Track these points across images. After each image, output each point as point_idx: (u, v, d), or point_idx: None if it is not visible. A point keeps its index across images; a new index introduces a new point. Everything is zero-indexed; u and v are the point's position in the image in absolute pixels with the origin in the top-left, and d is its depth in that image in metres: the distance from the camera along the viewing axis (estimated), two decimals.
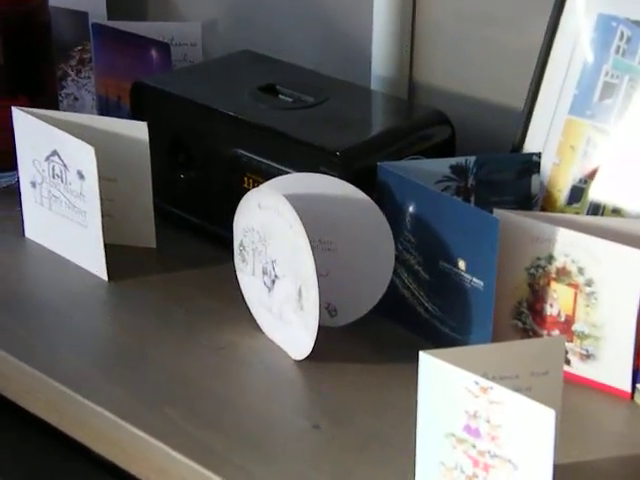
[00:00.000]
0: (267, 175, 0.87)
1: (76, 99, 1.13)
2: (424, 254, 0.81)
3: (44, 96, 1.01)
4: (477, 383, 0.62)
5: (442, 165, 0.83)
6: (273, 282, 0.81)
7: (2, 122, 0.94)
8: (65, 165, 0.90)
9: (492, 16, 0.99)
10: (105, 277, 0.90)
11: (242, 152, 0.90)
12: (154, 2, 1.23)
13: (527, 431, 0.61)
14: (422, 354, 0.64)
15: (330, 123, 0.90)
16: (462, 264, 0.78)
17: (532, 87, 0.89)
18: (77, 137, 0.87)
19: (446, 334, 0.80)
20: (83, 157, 0.87)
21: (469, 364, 0.64)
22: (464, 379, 0.63)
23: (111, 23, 1.09)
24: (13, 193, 0.98)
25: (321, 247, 0.81)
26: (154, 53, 1.04)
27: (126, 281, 0.90)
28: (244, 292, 0.85)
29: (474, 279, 0.77)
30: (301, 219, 0.76)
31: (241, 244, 0.84)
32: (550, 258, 0.76)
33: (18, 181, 0.95)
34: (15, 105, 0.92)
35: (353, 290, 0.82)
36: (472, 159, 0.83)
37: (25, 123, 0.92)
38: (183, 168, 0.96)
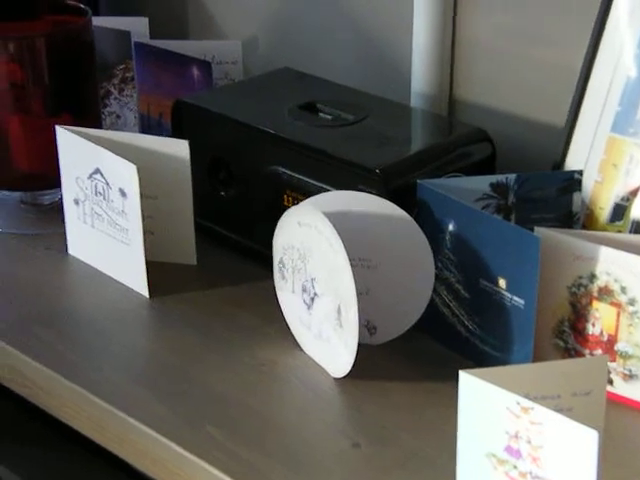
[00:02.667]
0: (307, 192, 0.87)
1: (118, 117, 1.14)
2: (464, 272, 0.80)
3: (87, 114, 1.02)
4: (518, 403, 0.62)
5: (482, 183, 0.83)
6: (312, 300, 0.81)
7: (46, 141, 0.95)
8: (108, 183, 0.91)
9: (533, 32, 0.99)
10: (146, 294, 0.91)
11: (282, 170, 0.91)
12: (195, 21, 1.24)
13: (569, 452, 0.60)
14: (462, 373, 0.64)
15: (370, 141, 0.90)
16: (503, 282, 0.77)
17: (574, 104, 0.88)
18: (119, 155, 0.88)
19: (486, 353, 0.80)
20: (125, 175, 0.89)
21: (510, 384, 0.63)
22: (505, 399, 0.62)
23: (153, 42, 1.10)
24: (57, 210, 0.99)
25: (360, 265, 0.81)
26: (195, 71, 1.05)
27: (167, 298, 0.91)
28: (284, 309, 0.85)
29: (515, 298, 0.76)
30: (340, 237, 0.76)
31: (281, 261, 0.84)
32: (592, 277, 0.75)
33: (61, 199, 0.97)
34: (59, 124, 0.94)
35: (393, 308, 0.82)
36: (513, 177, 0.83)
37: (69, 142, 0.93)
38: (223, 185, 0.97)
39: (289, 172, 0.90)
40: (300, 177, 0.90)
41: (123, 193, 0.90)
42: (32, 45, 0.96)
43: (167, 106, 1.03)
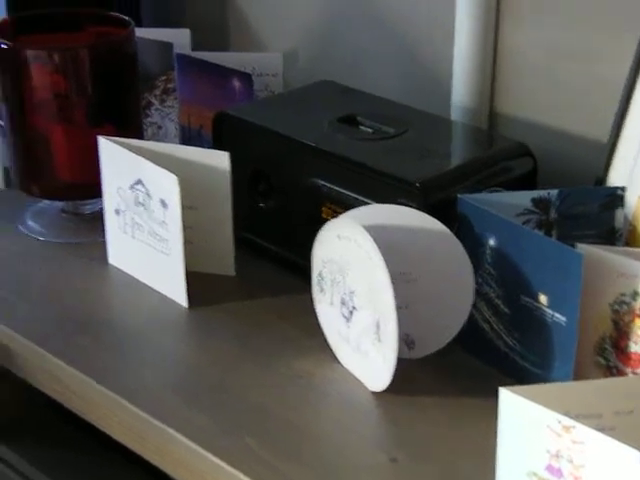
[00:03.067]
0: (346, 205, 0.87)
1: (160, 128, 1.15)
2: (504, 287, 0.80)
3: (130, 125, 1.03)
4: (560, 422, 0.61)
5: (523, 198, 0.82)
6: (351, 313, 0.81)
7: (88, 151, 0.96)
8: (149, 193, 0.91)
9: (576, 46, 0.98)
10: (185, 304, 0.91)
11: (322, 182, 0.91)
12: (236, 33, 1.25)
13: (612, 473, 0.60)
14: (502, 390, 0.63)
15: (410, 154, 0.90)
16: (544, 299, 0.76)
17: (617, 119, 0.88)
18: (161, 166, 0.89)
19: (526, 369, 0.79)
20: (166, 186, 0.89)
21: (551, 401, 0.63)
22: (546, 417, 0.62)
23: (195, 54, 1.11)
24: (97, 220, 1.00)
25: (400, 279, 0.80)
26: (236, 83, 1.06)
27: (205, 308, 0.91)
28: (322, 322, 0.85)
29: (556, 314, 0.75)
30: (380, 250, 0.76)
31: (320, 274, 0.84)
32: (635, 294, 0.75)
33: (102, 208, 0.97)
34: (101, 134, 0.95)
35: (432, 322, 0.82)
36: (554, 192, 0.82)
37: (111, 152, 0.94)
38: (263, 197, 0.97)
39: (329, 185, 0.90)
40: (340, 190, 0.90)
41: (164, 204, 0.90)
42: (76, 56, 0.97)
43: (208, 117, 1.03)
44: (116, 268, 0.97)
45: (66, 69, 0.97)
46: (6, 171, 1.09)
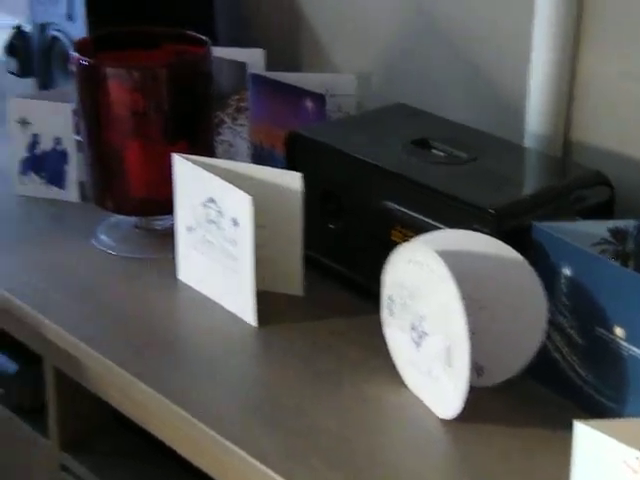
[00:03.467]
0: (417, 229, 0.87)
1: (231, 146, 1.16)
2: (579, 318, 0.79)
3: (203, 143, 1.04)
4: (637, 458, 0.60)
5: (600, 227, 0.81)
6: (421, 338, 0.81)
7: (162, 168, 0.98)
8: (221, 212, 0.92)
9: None
10: (254, 322, 0.91)
11: (393, 205, 0.91)
12: (310, 54, 1.26)
13: None
14: (578, 424, 0.63)
15: (483, 180, 0.90)
16: (620, 331, 0.75)
17: None
18: (233, 184, 0.90)
19: (599, 402, 0.78)
20: (239, 205, 0.90)
21: (628, 437, 0.61)
22: (623, 453, 0.61)
23: (268, 74, 1.12)
24: (169, 236, 1.01)
25: (472, 305, 0.80)
26: (309, 103, 1.07)
27: (274, 327, 0.91)
28: (390, 346, 0.85)
29: (633, 348, 0.74)
30: (453, 276, 0.76)
31: (390, 298, 0.84)
32: None
33: (174, 225, 0.98)
34: (176, 151, 0.96)
35: (502, 350, 0.81)
36: (632, 222, 0.81)
37: (185, 170, 0.95)
38: (333, 218, 0.97)
39: (400, 208, 0.90)
40: (412, 214, 0.89)
41: (236, 222, 0.91)
42: (154, 75, 0.99)
43: (279, 137, 1.04)
44: (185, 285, 0.98)
45: (144, 87, 0.99)
46: (82, 185, 1.11)
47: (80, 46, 1.02)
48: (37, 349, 0.98)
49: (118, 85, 0.98)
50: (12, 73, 1.64)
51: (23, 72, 1.64)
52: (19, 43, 1.63)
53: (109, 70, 0.98)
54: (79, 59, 0.99)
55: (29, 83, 1.65)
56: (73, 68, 1.01)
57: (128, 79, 0.98)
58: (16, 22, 1.61)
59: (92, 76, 0.99)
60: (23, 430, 1.06)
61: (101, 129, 1.01)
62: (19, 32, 1.62)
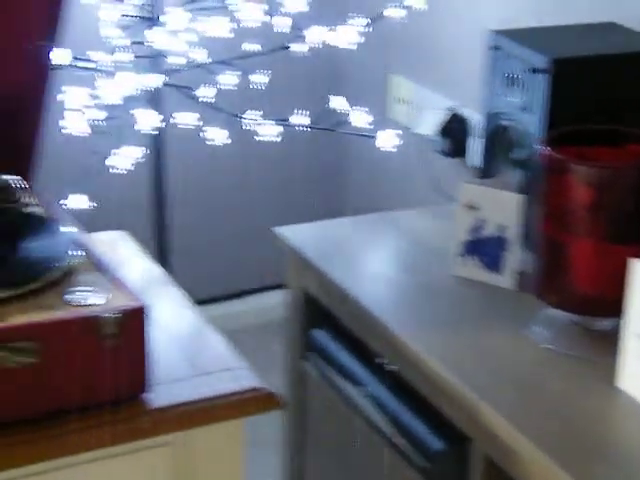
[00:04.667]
0: None
1: None
2: None
3: None
4: None
5: None
6: None
7: (613, 267, 0.95)
8: None
9: None
10: None
11: None
12: None
13: None
14: None
15: None
16: None
17: None
18: None
19: None
20: None
21: None
22: None
23: None
24: (608, 338, 0.98)
25: None
26: None
27: None
28: None
29: None
30: None
31: None
32: None
33: (619, 328, 0.95)
34: (626, 252, 0.93)
35: None
36: None
37: None
38: None
39: None
40: None
41: None
42: (613, 174, 0.97)
43: None
44: (626, 393, 0.94)
45: (602, 185, 0.97)
46: (521, 274, 1.12)
47: (549, 140, 1.03)
48: (466, 430, 0.99)
49: (576, 180, 0.97)
50: (441, 152, 1.72)
51: (454, 153, 1.71)
52: (454, 126, 1.71)
53: (573, 166, 0.98)
54: (548, 152, 1.01)
55: (453, 163, 1.72)
56: (528, 158, 1.02)
57: (585, 176, 0.97)
58: (450, 105, 1.69)
59: (554, 169, 1.00)
60: None
61: (548, 222, 1.01)
62: (454, 115, 1.69)
